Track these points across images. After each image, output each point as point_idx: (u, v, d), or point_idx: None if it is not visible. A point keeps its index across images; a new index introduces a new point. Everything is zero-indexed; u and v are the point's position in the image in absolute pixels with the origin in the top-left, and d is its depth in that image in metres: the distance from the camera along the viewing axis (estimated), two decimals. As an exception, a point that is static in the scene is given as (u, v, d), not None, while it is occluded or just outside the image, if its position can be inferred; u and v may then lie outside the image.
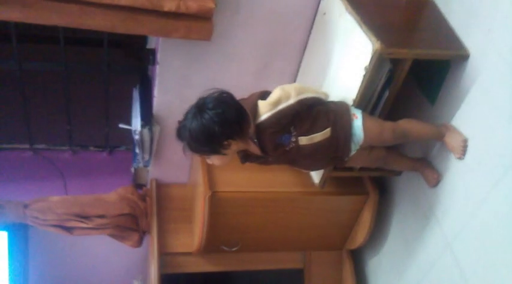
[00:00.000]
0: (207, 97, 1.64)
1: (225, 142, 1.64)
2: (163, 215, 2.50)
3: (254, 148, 1.73)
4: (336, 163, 1.89)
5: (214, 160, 1.72)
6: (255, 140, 1.68)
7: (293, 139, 1.71)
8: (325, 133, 1.74)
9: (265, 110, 1.68)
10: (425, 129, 1.94)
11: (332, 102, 1.83)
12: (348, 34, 1.86)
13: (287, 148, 1.72)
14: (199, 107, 1.62)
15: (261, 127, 1.67)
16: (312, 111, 1.73)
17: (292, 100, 1.70)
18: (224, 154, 1.68)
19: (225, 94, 1.66)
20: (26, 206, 2.29)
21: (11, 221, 2.31)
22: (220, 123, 1.59)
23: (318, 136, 1.73)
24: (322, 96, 1.83)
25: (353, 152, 1.82)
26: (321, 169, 2.04)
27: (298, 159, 1.80)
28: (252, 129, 1.65)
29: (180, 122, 1.68)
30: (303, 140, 1.72)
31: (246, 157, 1.81)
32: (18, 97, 2.51)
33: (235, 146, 1.69)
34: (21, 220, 2.30)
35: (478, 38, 1.78)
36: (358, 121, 1.78)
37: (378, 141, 1.86)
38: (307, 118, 1.72)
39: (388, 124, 1.86)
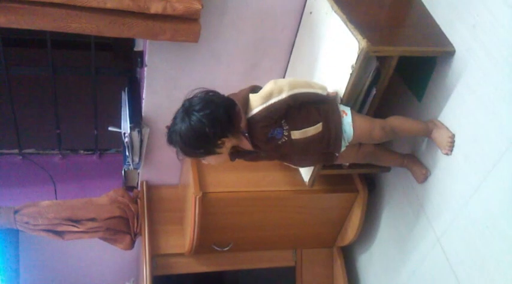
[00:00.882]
0: (193, 98, 1.63)
1: (219, 142, 1.63)
2: (154, 217, 2.50)
3: (246, 144, 1.71)
4: (327, 160, 1.89)
5: (210, 160, 1.71)
6: (246, 134, 1.66)
7: (285, 133, 1.70)
8: (317, 127, 1.73)
9: (256, 104, 1.66)
10: (414, 125, 1.95)
11: (322, 97, 1.80)
12: (335, 33, 1.87)
13: (279, 142, 1.71)
14: (186, 110, 1.60)
15: (252, 121, 1.65)
16: (303, 106, 1.72)
17: (284, 95, 1.67)
18: (219, 153, 1.66)
19: (211, 93, 1.64)
20: (16, 211, 2.28)
21: (1, 227, 2.30)
22: (211, 124, 1.57)
23: (311, 131, 1.72)
24: (319, 91, 1.78)
25: (343, 149, 1.82)
26: (311, 165, 2.03)
27: (290, 154, 1.79)
28: (243, 123, 1.63)
29: (168, 127, 1.66)
30: (296, 134, 1.71)
31: (235, 153, 1.78)
32: (6, 103, 2.50)
33: (229, 143, 1.67)
34: (12, 225, 2.28)
35: (463, 34, 1.79)
36: (347, 118, 1.79)
37: (368, 138, 1.87)
38: (298, 113, 1.71)
39: (378, 122, 1.87)
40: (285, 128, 1.70)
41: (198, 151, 1.65)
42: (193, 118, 1.58)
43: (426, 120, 1.97)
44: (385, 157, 2.08)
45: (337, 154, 1.82)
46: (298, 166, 2.11)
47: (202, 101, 1.60)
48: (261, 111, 1.66)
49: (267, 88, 1.69)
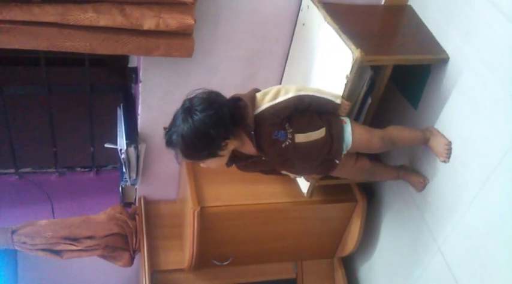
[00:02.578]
0: (194, 98, 1.58)
1: (223, 144, 1.59)
2: (153, 232, 2.48)
3: (248, 146, 1.68)
4: (327, 168, 1.85)
5: (210, 163, 1.65)
6: (252, 132, 1.62)
7: (289, 136, 1.68)
8: (321, 132, 1.72)
9: (263, 101, 1.65)
10: (412, 134, 1.95)
11: (332, 105, 1.78)
12: (328, 43, 1.87)
13: (283, 146, 1.68)
14: (188, 110, 1.54)
15: (260, 118, 1.63)
16: (307, 111, 1.72)
17: (290, 94, 1.67)
18: (221, 156, 1.63)
19: (213, 94, 1.60)
20: (13, 231, 2.26)
21: (-1, 248, 2.28)
22: (215, 125, 1.53)
23: (314, 135, 1.71)
24: (331, 98, 1.76)
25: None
26: (311, 173, 2.00)
27: (291, 159, 1.76)
28: (250, 120, 1.60)
29: (167, 129, 1.60)
30: (300, 137, 1.69)
31: (232, 158, 1.73)
32: (0, 122, 2.49)
33: (232, 145, 1.63)
34: (9, 246, 2.27)
35: (456, 41, 1.80)
36: (347, 126, 1.78)
37: (366, 147, 1.86)
38: (302, 117, 1.70)
39: (377, 132, 1.86)
40: (288, 131, 1.68)
41: (201, 154, 1.59)
42: (196, 118, 1.52)
43: (423, 127, 1.96)
44: (381, 172, 2.07)
45: (337, 161, 1.81)
46: (298, 174, 2.05)
47: (204, 101, 1.55)
48: (268, 109, 1.65)
49: (274, 88, 1.70)
